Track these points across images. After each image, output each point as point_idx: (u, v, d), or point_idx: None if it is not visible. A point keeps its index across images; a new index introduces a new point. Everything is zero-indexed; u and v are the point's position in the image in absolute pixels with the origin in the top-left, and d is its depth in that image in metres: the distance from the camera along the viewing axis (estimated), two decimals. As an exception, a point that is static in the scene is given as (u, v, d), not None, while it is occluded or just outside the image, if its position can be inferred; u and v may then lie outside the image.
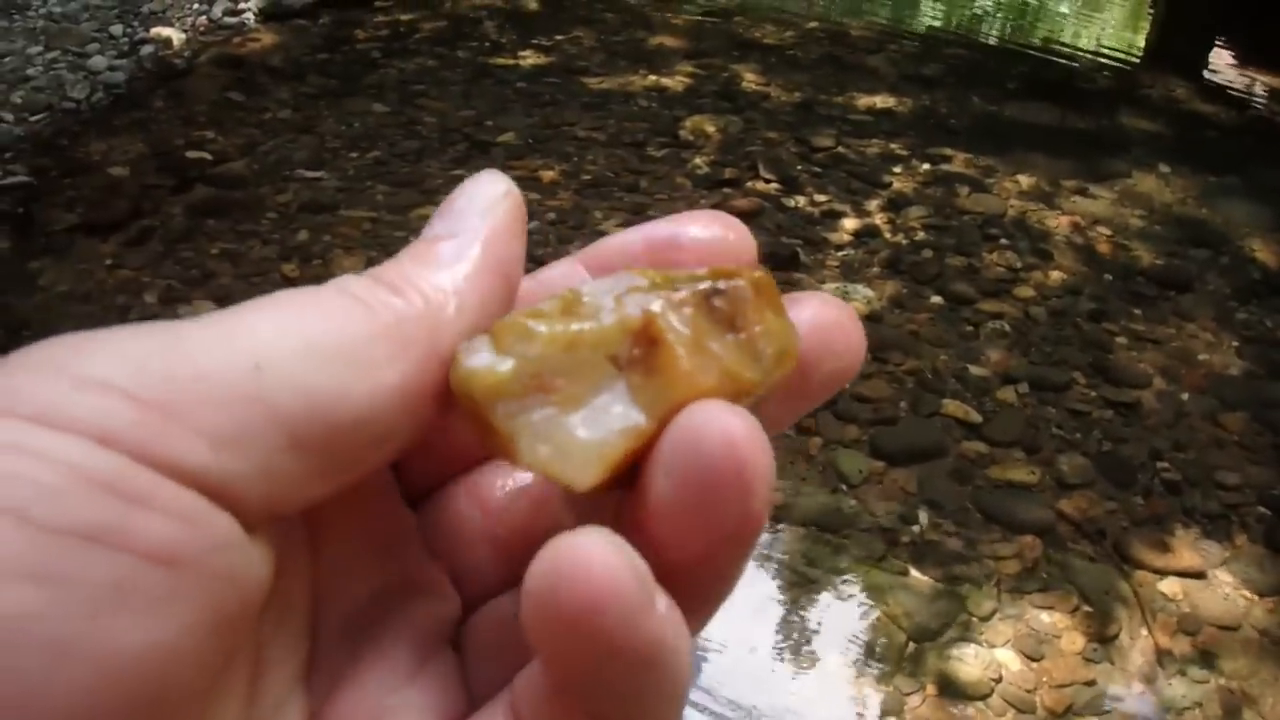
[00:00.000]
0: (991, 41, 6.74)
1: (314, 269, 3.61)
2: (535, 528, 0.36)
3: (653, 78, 5.25)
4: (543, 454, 0.30)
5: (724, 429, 0.28)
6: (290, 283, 3.55)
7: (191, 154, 4.37)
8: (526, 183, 4.17)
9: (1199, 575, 2.71)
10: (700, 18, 6.28)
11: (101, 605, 0.24)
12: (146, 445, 0.26)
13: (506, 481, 0.38)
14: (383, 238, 3.78)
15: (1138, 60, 6.47)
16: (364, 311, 0.31)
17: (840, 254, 3.89)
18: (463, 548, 0.37)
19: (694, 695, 2.38)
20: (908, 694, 2.38)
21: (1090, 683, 2.42)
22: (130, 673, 0.24)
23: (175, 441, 0.26)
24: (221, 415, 0.27)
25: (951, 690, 2.38)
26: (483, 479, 0.38)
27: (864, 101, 5.16)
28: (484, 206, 0.37)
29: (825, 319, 0.35)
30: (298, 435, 0.28)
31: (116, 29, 5.50)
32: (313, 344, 0.29)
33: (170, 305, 3.47)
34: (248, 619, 0.29)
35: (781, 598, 2.60)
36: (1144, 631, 2.55)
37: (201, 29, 5.65)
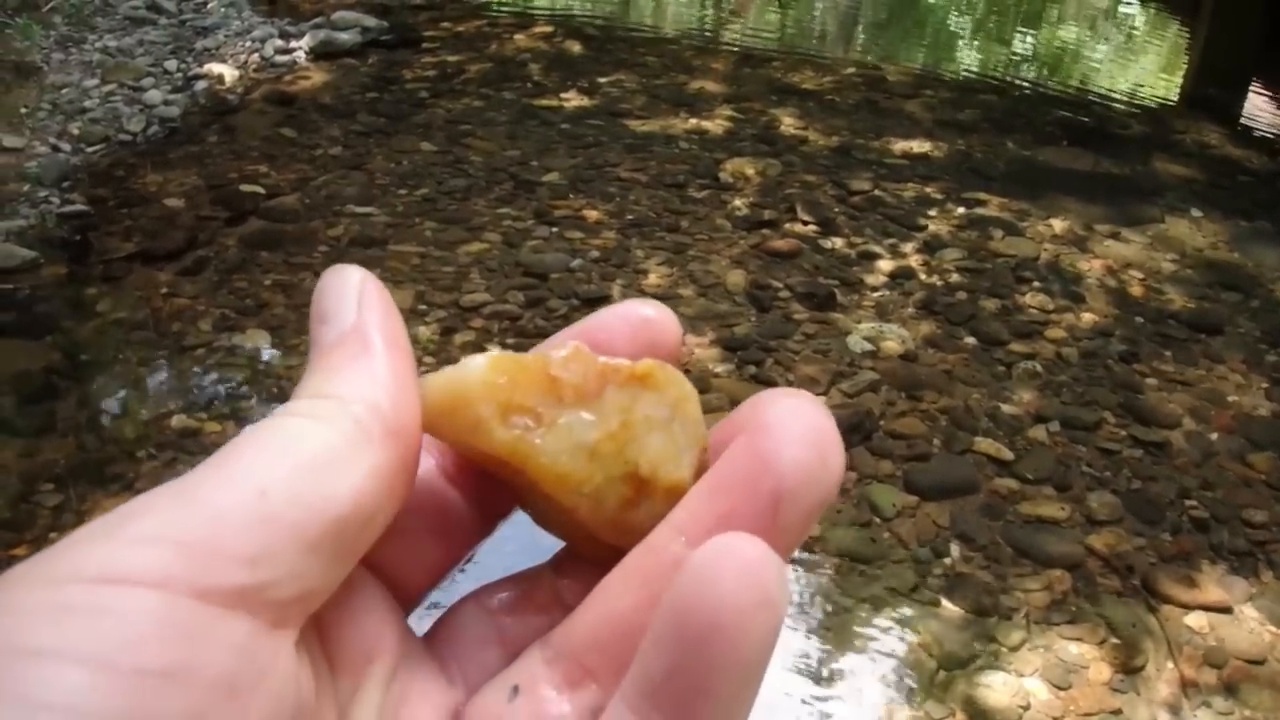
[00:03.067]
0: (1026, 87, 6.81)
1: (364, 302, 3.70)
2: (534, 623, 0.42)
3: (693, 120, 5.34)
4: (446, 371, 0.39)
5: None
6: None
7: (245, 188, 4.48)
8: (571, 221, 4.27)
9: (1225, 610, 2.76)
10: (739, 62, 6.38)
11: None
12: (197, 581, 0.30)
13: (512, 591, 0.43)
14: (431, 273, 3.88)
15: (1172, 106, 6.52)
16: (326, 427, 0.35)
17: (876, 295, 3.96)
18: (471, 648, 0.42)
19: None
20: None
21: (1116, 712, 2.47)
22: None
23: (219, 570, 0.30)
24: (247, 539, 0.31)
25: (980, 717, 2.44)
26: (492, 592, 0.43)
27: (900, 146, 5.24)
28: (353, 298, 0.39)
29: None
30: (308, 537, 0.32)
31: (171, 64, 5.64)
32: (299, 463, 0.33)
33: (224, 334, 3.57)
34: None
35: (816, 625, 2.67)
36: (1170, 664, 2.60)
37: (254, 66, 5.78)
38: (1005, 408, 3.43)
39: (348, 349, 0.38)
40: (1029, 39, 8.19)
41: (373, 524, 0.35)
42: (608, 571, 0.40)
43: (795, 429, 0.36)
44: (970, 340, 3.74)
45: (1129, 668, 2.58)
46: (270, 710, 0.31)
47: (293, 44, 6.00)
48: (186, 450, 3.11)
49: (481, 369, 0.39)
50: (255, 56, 5.86)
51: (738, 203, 4.53)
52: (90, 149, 4.79)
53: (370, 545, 0.36)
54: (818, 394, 3.34)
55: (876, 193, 4.70)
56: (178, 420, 3.23)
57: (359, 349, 0.38)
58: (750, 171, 4.79)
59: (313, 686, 0.34)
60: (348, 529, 0.34)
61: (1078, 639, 2.64)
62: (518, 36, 6.51)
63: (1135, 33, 8.47)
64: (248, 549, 0.31)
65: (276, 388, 3.39)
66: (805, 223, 4.39)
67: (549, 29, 6.70)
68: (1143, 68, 7.58)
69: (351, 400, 0.36)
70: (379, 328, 0.38)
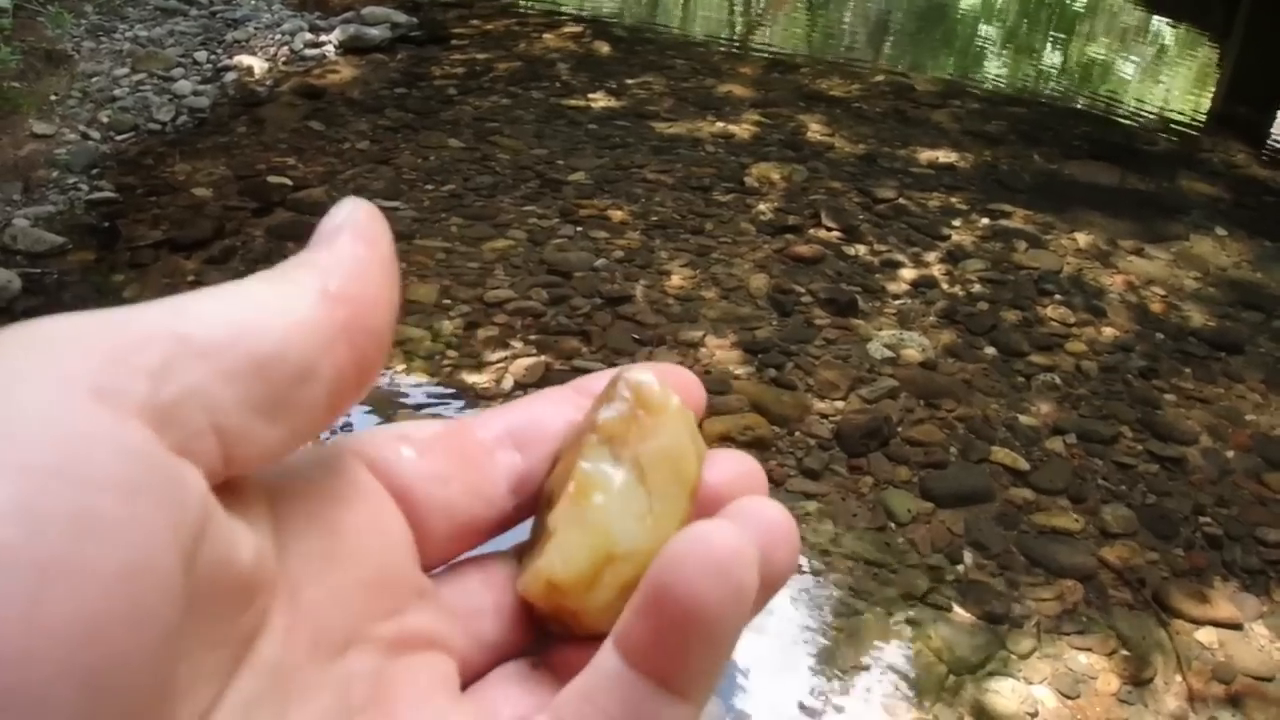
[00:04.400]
0: (1055, 100, 6.81)
1: (389, 294, 3.73)
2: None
3: (720, 124, 5.36)
4: None
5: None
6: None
7: (273, 179, 4.52)
8: (596, 221, 4.29)
9: (1236, 627, 2.76)
10: (768, 68, 6.40)
11: (75, 532, 0.26)
12: (99, 385, 0.27)
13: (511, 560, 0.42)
14: (456, 268, 3.90)
15: (1200, 124, 6.52)
16: (261, 281, 0.33)
17: (898, 303, 3.98)
18: (477, 617, 0.40)
19: None
20: (946, 724, 2.46)
21: (1124, 723, 2.49)
22: (109, 594, 0.26)
23: (120, 375, 0.28)
24: (154, 349, 0.29)
25: (989, 722, 2.46)
26: (492, 561, 0.42)
27: (926, 155, 5.25)
28: (342, 219, 0.37)
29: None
30: (223, 363, 0.30)
31: (201, 55, 5.69)
32: (224, 298, 0.32)
33: (251, 323, 3.60)
34: (246, 598, 0.31)
35: (828, 628, 2.68)
36: (1179, 678, 2.60)
37: (283, 59, 5.82)
38: (1023, 418, 3.44)
39: (312, 242, 0.36)
40: (1058, 52, 8.19)
41: (308, 381, 0.32)
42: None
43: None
44: (990, 350, 3.76)
45: (1138, 680, 2.59)
46: (176, 518, 0.28)
47: (322, 38, 6.04)
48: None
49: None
50: (284, 49, 5.90)
51: (762, 207, 4.54)
52: (119, 137, 4.83)
53: (315, 415, 0.33)
54: (837, 399, 3.37)
55: (901, 201, 4.71)
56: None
57: (323, 240, 0.36)
58: (776, 176, 4.81)
59: (251, 550, 0.32)
60: (273, 372, 0.31)
61: (1087, 649, 2.65)
62: (546, 36, 6.54)
63: (1165, 49, 8.47)
64: (154, 359, 0.29)
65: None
66: (829, 229, 4.40)
67: (578, 29, 6.74)
68: (1172, 84, 7.57)
69: (296, 264, 0.34)
70: (354, 227, 0.36)
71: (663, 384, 0.39)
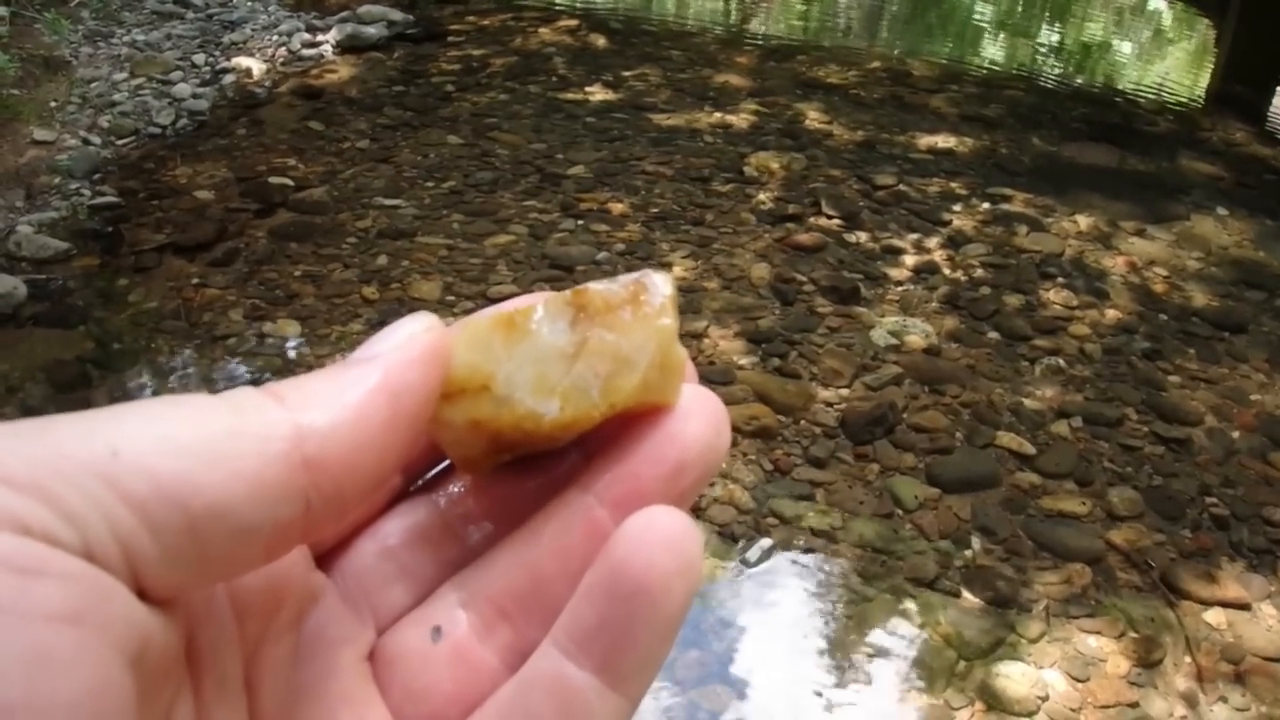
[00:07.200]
0: (1052, 82, 6.81)
1: (393, 292, 3.74)
2: (433, 557, 0.41)
3: (718, 115, 5.36)
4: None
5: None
6: (370, 304, 3.69)
7: (274, 180, 4.53)
8: (596, 214, 4.30)
9: (1244, 607, 2.77)
10: (764, 57, 6.40)
11: (29, 669, 0.26)
12: (26, 521, 0.27)
13: (405, 525, 0.42)
14: (459, 264, 3.91)
15: (1199, 103, 6.51)
16: (231, 411, 0.32)
17: (900, 289, 3.98)
18: (376, 585, 0.40)
19: (750, 710, 2.47)
20: (957, 709, 2.46)
21: (1134, 705, 2.48)
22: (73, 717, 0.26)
23: (47, 519, 0.27)
24: (78, 496, 0.28)
25: (999, 707, 2.46)
26: (385, 528, 0.42)
27: (925, 141, 5.25)
28: (400, 339, 0.37)
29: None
30: (152, 519, 0.29)
31: (199, 58, 5.69)
32: (169, 436, 0.30)
33: (256, 323, 3.61)
34: (171, 673, 0.32)
35: (837, 614, 2.69)
36: (1188, 659, 2.61)
37: (281, 60, 5.82)
38: (1028, 403, 3.44)
39: (345, 371, 0.35)
40: (1055, 34, 8.18)
41: (244, 541, 0.32)
42: (483, 491, 0.42)
43: (697, 407, 0.39)
44: (993, 335, 3.76)
45: (1147, 662, 2.59)
46: (126, 640, 0.29)
47: (319, 38, 6.05)
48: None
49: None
50: (282, 50, 5.91)
51: (762, 197, 4.55)
52: (120, 142, 4.84)
53: (242, 565, 0.33)
54: (841, 387, 3.38)
55: (901, 187, 4.72)
56: (208, 409, 3.26)
57: (351, 377, 0.35)
58: (775, 166, 4.81)
59: (181, 631, 0.33)
60: (203, 530, 0.30)
61: (1096, 632, 2.66)
62: (542, 30, 6.54)
63: (1162, 29, 8.46)
64: (76, 506, 0.28)
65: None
66: (829, 217, 4.41)
67: (573, 23, 6.74)
68: (1169, 64, 7.57)
69: (291, 399, 0.33)
70: (388, 370, 0.36)
71: (669, 298, 0.38)
